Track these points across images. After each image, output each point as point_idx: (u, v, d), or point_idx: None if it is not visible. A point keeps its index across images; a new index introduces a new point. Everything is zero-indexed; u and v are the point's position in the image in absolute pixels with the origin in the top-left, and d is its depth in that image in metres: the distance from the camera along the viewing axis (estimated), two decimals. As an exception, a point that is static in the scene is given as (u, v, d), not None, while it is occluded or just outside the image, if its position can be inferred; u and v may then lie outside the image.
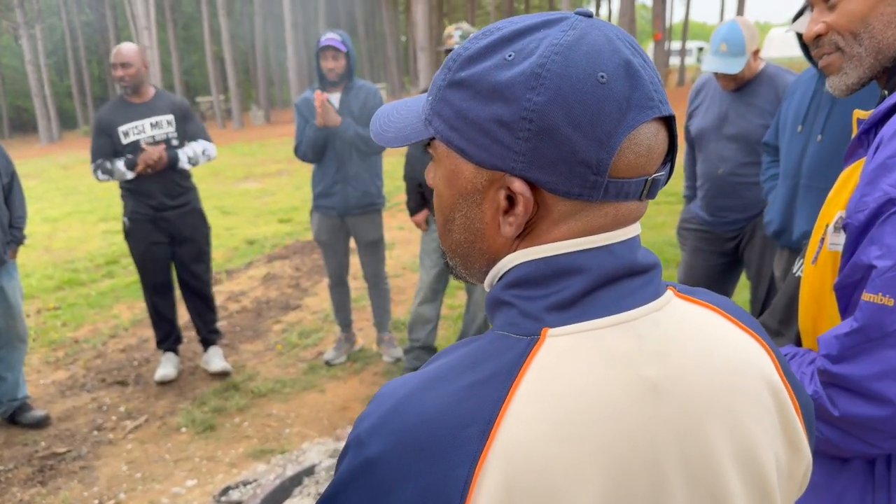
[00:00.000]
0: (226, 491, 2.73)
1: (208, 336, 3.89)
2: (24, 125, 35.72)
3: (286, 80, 36.17)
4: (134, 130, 3.49)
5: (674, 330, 0.58)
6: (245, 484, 2.76)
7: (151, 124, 3.51)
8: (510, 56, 0.55)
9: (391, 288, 4.16)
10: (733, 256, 3.01)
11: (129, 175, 3.47)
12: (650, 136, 0.55)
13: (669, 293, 0.61)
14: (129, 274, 5.95)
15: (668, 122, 0.58)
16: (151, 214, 3.58)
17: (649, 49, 23.97)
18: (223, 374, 3.80)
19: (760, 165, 2.75)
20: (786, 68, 2.80)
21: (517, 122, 0.54)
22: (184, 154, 3.56)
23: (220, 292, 5.31)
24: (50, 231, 8.22)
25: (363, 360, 3.93)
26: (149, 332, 4.41)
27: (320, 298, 5.07)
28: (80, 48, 32.73)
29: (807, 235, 2.25)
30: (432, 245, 3.47)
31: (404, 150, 4.41)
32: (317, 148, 3.51)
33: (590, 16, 0.57)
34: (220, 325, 4.53)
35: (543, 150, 0.53)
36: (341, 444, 2.99)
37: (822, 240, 1.02)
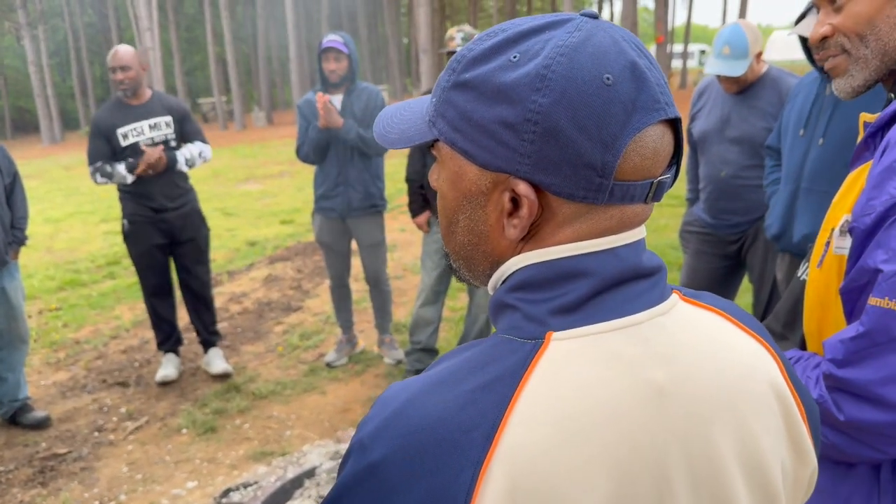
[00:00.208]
0: (226, 493, 2.72)
1: (208, 338, 3.89)
2: (26, 126, 35.81)
3: (288, 82, 36.27)
4: (133, 132, 3.49)
5: (679, 334, 0.58)
6: (246, 486, 2.76)
7: (150, 126, 3.51)
8: (515, 57, 0.55)
9: (392, 290, 4.16)
10: (736, 259, 3.01)
11: (130, 178, 3.47)
12: (656, 138, 0.55)
13: (675, 297, 0.60)
14: (130, 275, 5.95)
15: (674, 124, 0.57)
16: (151, 216, 3.58)
17: (651, 52, 23.96)
18: (224, 376, 3.80)
19: (763, 168, 2.74)
20: (788, 71, 2.80)
21: (522, 124, 0.53)
22: (181, 155, 3.56)
23: (222, 294, 5.31)
24: (52, 232, 8.23)
25: (364, 362, 3.92)
26: (150, 334, 4.41)
27: (321, 300, 5.07)
28: (83, 49, 32.82)
29: (807, 239, 2.26)
30: (434, 247, 3.47)
31: (406, 151, 4.41)
32: (319, 149, 3.51)
33: (595, 17, 0.57)
34: (222, 326, 4.53)
35: (548, 152, 0.53)
36: (342, 447, 2.99)
37: (828, 243, 1.02)
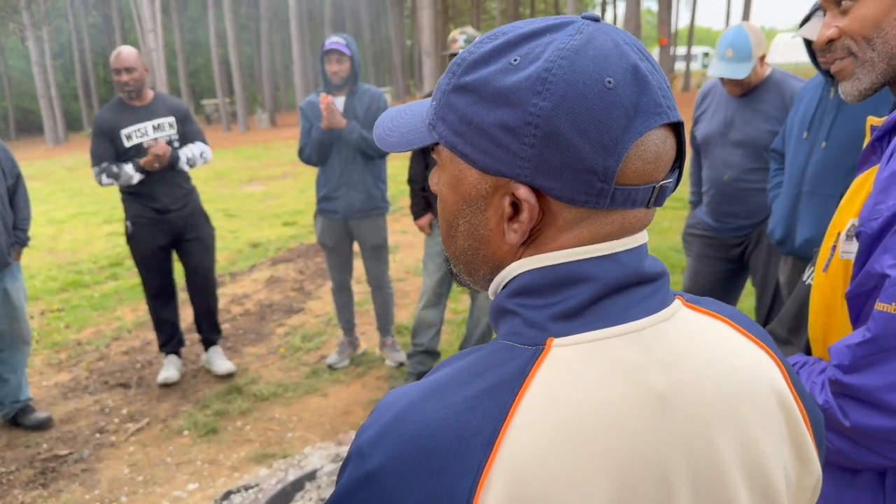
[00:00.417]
0: (227, 495, 2.72)
1: (210, 336, 3.90)
2: (29, 127, 35.91)
3: (291, 84, 36.32)
4: (137, 133, 3.49)
5: (682, 340, 0.57)
6: (247, 488, 2.75)
7: (154, 127, 3.52)
8: (516, 60, 0.54)
9: (394, 292, 4.15)
10: (739, 263, 3.00)
11: (137, 178, 3.47)
12: (658, 142, 0.54)
13: (677, 303, 0.60)
14: (132, 276, 5.96)
15: (677, 128, 0.57)
16: (154, 217, 3.59)
17: (654, 54, 24.00)
18: (227, 376, 3.80)
19: (766, 171, 2.73)
20: (792, 74, 2.79)
21: (523, 128, 0.53)
22: (183, 154, 3.57)
23: (224, 295, 5.31)
24: (54, 233, 8.25)
25: (366, 364, 3.92)
26: (152, 335, 4.41)
27: (323, 302, 5.07)
28: (87, 50, 32.92)
29: (810, 242, 2.24)
30: (436, 249, 3.47)
31: (408, 153, 4.41)
32: (321, 151, 3.51)
33: (597, 20, 0.57)
34: (223, 327, 4.53)
35: (549, 156, 0.52)
36: (343, 449, 2.98)
37: (834, 248, 1.01)
